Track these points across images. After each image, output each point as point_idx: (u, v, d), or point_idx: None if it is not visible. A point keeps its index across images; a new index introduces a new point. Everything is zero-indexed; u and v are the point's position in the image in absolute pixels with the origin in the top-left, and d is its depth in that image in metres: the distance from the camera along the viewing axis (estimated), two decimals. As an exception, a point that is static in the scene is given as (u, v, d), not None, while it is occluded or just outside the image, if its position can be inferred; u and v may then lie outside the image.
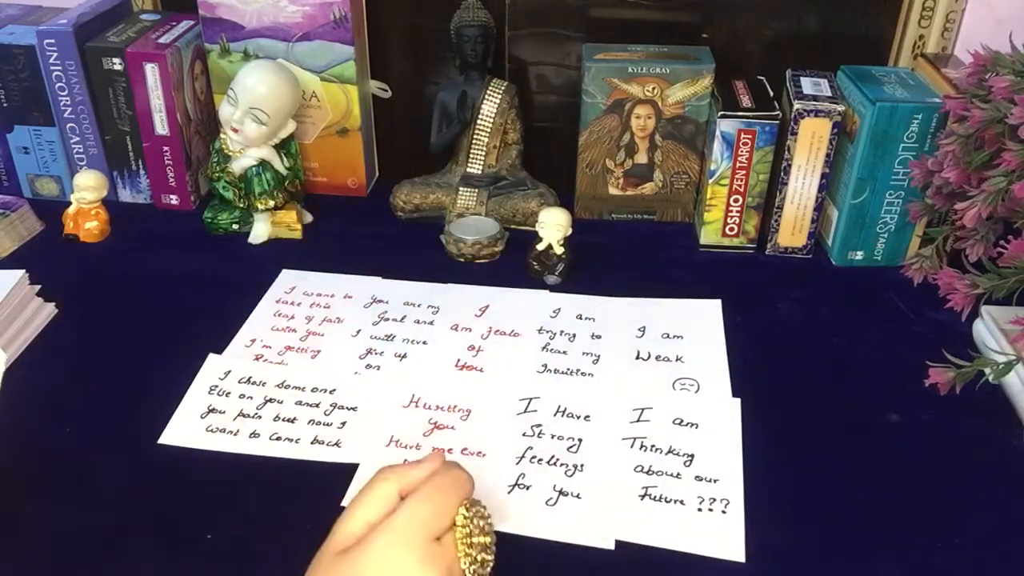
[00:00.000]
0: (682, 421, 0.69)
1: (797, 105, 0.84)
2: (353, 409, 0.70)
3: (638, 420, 0.69)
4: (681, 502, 0.62)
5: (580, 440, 0.67)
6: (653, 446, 0.66)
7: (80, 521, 0.60)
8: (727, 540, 0.59)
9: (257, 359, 0.76)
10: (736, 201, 0.90)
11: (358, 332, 0.79)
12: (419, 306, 0.83)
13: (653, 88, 0.91)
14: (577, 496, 0.62)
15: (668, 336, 0.79)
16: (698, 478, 0.64)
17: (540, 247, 0.86)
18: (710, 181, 0.90)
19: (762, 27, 0.97)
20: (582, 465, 0.65)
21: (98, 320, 0.81)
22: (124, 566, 0.57)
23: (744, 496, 0.62)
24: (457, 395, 0.72)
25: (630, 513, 0.61)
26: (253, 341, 0.78)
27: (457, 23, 0.94)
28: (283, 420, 0.69)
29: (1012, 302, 0.67)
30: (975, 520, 0.61)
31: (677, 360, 0.76)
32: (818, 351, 0.78)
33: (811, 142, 0.86)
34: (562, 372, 0.75)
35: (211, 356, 0.75)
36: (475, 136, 0.97)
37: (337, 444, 0.67)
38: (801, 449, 0.67)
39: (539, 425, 0.68)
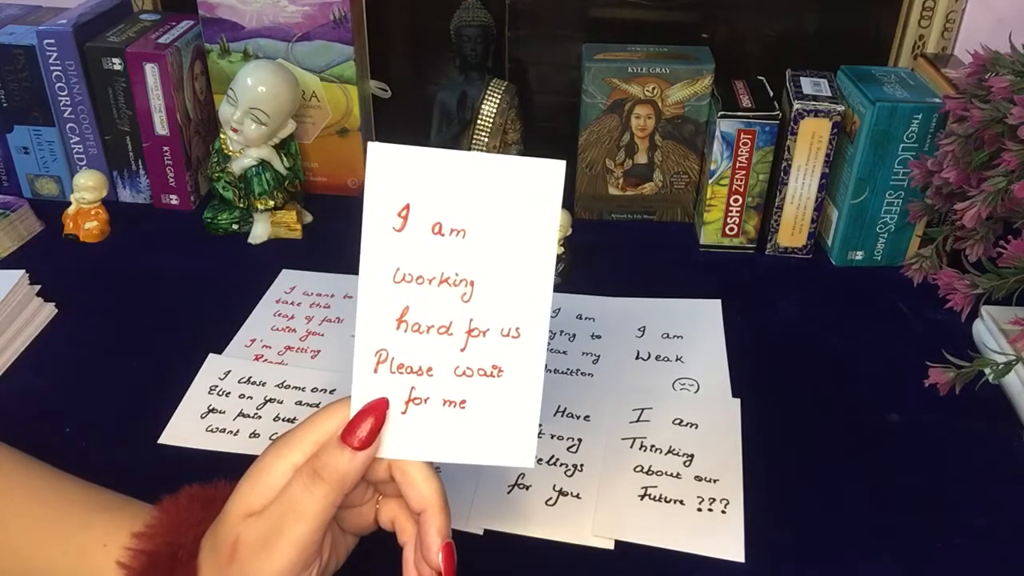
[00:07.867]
0: (682, 421, 0.69)
1: (797, 105, 0.84)
2: (353, 409, 0.70)
3: (638, 420, 0.69)
4: (681, 502, 0.62)
5: (580, 440, 0.67)
6: (653, 446, 0.66)
7: (80, 521, 0.60)
8: (727, 540, 0.59)
9: (257, 359, 0.76)
10: (736, 201, 0.90)
11: (358, 332, 0.79)
12: (419, 306, 0.83)
13: (653, 88, 0.91)
14: (577, 496, 0.62)
15: (668, 336, 0.79)
16: (698, 478, 0.64)
17: (540, 247, 0.86)
18: (710, 181, 0.90)
19: (762, 27, 0.97)
20: (582, 465, 0.65)
21: (98, 320, 0.80)
22: (124, 566, 0.57)
23: (744, 496, 0.62)
24: (457, 395, 0.71)
25: (630, 513, 0.61)
26: (253, 341, 0.78)
27: (457, 23, 0.94)
28: (283, 420, 0.69)
29: (1012, 302, 0.67)
30: (975, 520, 0.61)
31: (677, 360, 0.76)
32: (818, 351, 0.78)
33: (811, 142, 0.86)
34: (562, 372, 0.75)
35: (211, 356, 0.75)
36: (475, 136, 0.97)
37: (337, 444, 0.67)
38: (801, 449, 0.67)
39: (539, 425, 0.68)
